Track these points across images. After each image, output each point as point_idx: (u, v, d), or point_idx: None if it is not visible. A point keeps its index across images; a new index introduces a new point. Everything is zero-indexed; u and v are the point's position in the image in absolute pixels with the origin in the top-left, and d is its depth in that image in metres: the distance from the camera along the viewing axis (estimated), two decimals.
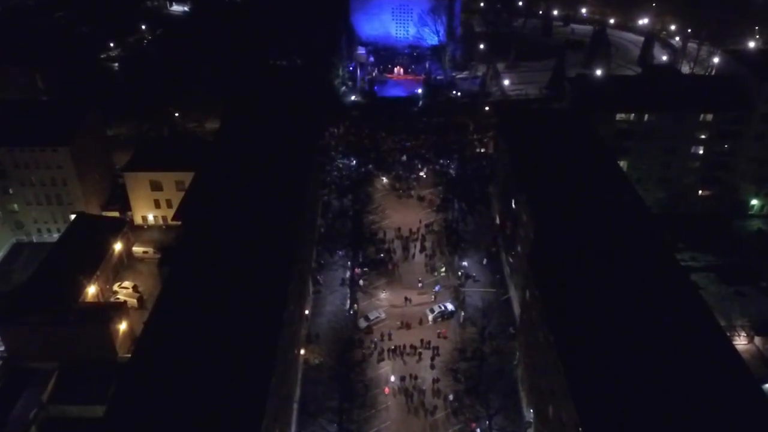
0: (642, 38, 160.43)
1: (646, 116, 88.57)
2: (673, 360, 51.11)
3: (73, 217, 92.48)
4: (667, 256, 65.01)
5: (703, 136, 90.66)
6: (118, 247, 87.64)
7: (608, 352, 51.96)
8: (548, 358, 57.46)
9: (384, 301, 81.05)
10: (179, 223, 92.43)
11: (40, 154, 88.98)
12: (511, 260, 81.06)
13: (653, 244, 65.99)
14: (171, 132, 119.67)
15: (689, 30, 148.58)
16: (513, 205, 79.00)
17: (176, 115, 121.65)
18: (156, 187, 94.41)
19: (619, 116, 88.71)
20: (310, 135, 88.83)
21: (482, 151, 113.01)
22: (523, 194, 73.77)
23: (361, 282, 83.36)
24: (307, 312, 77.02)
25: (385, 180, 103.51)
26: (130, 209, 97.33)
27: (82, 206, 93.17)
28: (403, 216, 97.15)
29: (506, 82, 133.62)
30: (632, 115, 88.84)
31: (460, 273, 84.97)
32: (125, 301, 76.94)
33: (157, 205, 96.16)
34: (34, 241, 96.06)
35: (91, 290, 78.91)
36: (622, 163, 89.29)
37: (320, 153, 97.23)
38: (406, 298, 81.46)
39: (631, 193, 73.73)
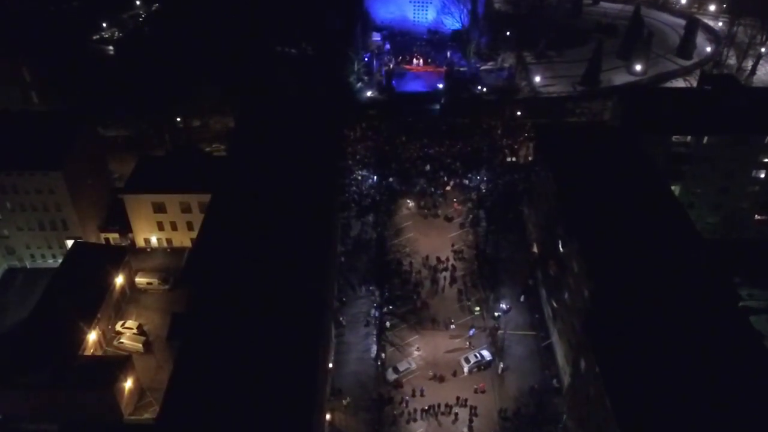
0: (680, 20, 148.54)
1: (706, 138, 79.08)
2: None
3: (69, 242, 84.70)
4: (731, 304, 59.66)
5: (766, 159, 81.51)
6: (119, 280, 79.85)
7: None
8: None
9: (413, 348, 73.68)
10: (188, 246, 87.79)
11: (30, 178, 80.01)
12: (554, 304, 73.40)
13: (718, 293, 59.74)
14: (172, 135, 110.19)
15: (724, 5, 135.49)
16: (560, 247, 70.72)
17: (178, 120, 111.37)
18: (159, 209, 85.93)
19: (676, 138, 79.22)
20: (331, 158, 79.94)
21: (513, 160, 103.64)
22: (575, 241, 65.48)
23: (387, 324, 75.82)
24: (330, 365, 69.90)
25: (410, 203, 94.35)
26: (130, 231, 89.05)
27: (79, 231, 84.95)
28: (429, 240, 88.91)
29: (537, 79, 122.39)
30: (689, 137, 79.33)
31: (496, 314, 77.49)
32: (130, 355, 69.63)
33: (161, 227, 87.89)
34: (28, 267, 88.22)
35: (92, 337, 71.72)
36: (674, 188, 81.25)
37: (341, 173, 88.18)
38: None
39: (690, 231, 66.23)
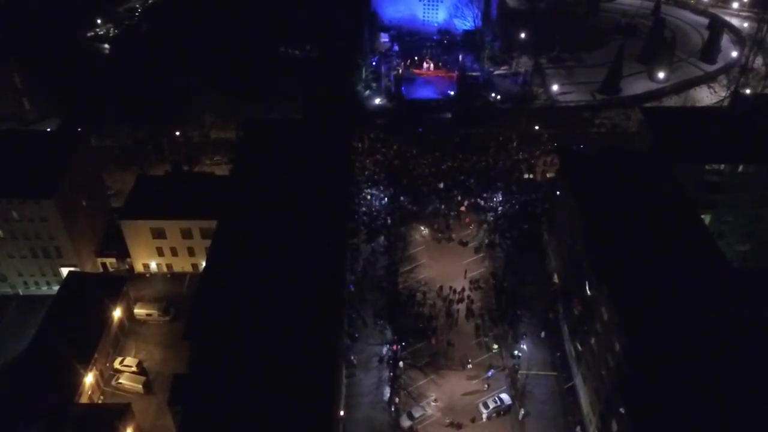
0: (702, 18, 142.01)
1: (741, 167, 74.13)
2: None
3: (63, 270, 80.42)
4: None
5: None
6: (117, 313, 75.54)
7: None
8: None
9: (431, 399, 69.35)
10: (189, 271, 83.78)
11: (20, 206, 75.16)
12: (579, 347, 69.16)
13: (756, 337, 55.67)
14: (171, 148, 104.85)
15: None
16: (587, 288, 66.21)
17: (177, 134, 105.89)
18: (158, 235, 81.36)
19: (709, 166, 74.30)
20: (342, 182, 75.29)
21: (530, 176, 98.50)
22: (604, 286, 60.98)
23: (401, 364, 71.57)
24: (342, 413, 65.91)
25: (423, 229, 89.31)
26: (129, 255, 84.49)
27: (74, 258, 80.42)
28: (443, 268, 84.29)
29: (555, 88, 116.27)
30: (723, 165, 74.39)
31: (515, 352, 73.34)
32: (129, 404, 65.33)
33: (161, 252, 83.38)
34: (21, 294, 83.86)
35: (89, 379, 67.65)
36: (704, 217, 76.48)
37: (351, 198, 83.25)
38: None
39: (726, 271, 62.09)
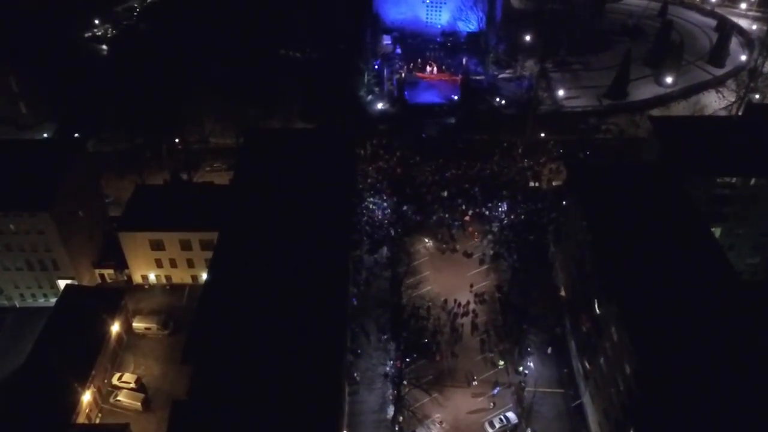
0: (709, 19, 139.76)
1: (753, 179, 72.42)
2: None
3: (60, 282, 78.92)
4: None
5: None
6: (116, 328, 74.09)
7: None
8: None
9: (436, 421, 67.84)
10: (189, 282, 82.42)
11: (16, 219, 73.54)
12: (587, 365, 67.69)
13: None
14: (170, 154, 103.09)
15: None
16: (596, 307, 64.67)
17: (176, 141, 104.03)
18: (157, 246, 79.79)
19: (720, 179, 72.60)
20: (345, 194, 73.68)
21: (536, 185, 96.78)
22: (614, 306, 59.45)
23: (404, 382, 70.14)
24: None
25: (428, 241, 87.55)
26: (127, 266, 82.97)
27: (71, 270, 78.90)
28: (448, 280, 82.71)
29: (560, 92, 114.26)
30: (735, 178, 72.69)
31: (521, 368, 71.89)
32: (128, 424, 64.02)
33: (159, 264, 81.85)
34: (18, 306, 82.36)
35: (86, 397, 66.22)
36: (715, 230, 74.89)
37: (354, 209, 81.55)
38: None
39: (737, 287, 60.45)
